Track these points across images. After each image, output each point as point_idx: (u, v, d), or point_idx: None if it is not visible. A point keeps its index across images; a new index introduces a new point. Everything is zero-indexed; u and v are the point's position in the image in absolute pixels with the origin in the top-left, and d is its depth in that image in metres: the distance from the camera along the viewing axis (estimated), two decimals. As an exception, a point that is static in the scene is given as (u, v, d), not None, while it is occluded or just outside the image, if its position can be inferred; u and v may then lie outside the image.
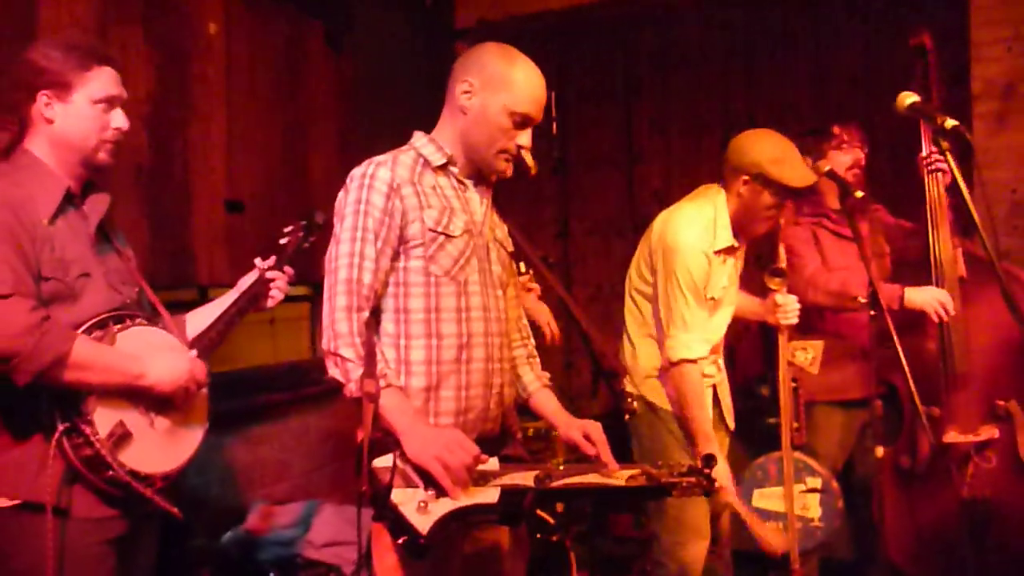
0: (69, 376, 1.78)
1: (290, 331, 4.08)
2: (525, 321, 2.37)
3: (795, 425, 3.03)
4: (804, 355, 2.89)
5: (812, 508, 3.03)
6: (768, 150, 2.76)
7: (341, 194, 2.07)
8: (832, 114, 4.19)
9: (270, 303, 2.32)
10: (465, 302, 2.06)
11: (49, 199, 1.93)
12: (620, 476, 1.99)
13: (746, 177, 2.78)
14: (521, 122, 2.07)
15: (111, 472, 1.82)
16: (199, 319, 2.26)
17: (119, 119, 2.02)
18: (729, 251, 2.88)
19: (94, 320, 1.90)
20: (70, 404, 1.82)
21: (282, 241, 2.41)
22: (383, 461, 1.82)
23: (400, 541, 1.76)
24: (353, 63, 4.31)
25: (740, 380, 4.22)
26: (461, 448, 1.85)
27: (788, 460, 2.96)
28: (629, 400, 2.57)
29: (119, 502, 1.89)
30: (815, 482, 3.04)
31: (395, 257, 2.03)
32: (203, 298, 3.53)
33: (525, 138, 2.09)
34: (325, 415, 3.93)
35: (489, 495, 1.84)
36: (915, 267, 3.14)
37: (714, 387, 2.95)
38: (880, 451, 2.88)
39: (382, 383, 1.91)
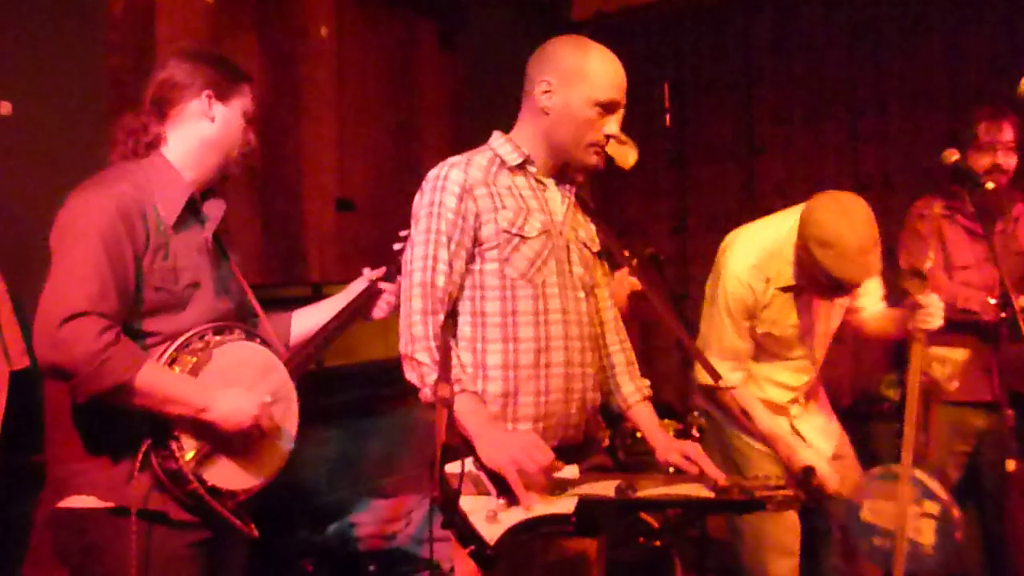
0: (132, 401, 1.79)
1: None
2: (622, 323, 2.27)
3: (922, 439, 2.81)
4: (941, 368, 2.65)
5: (926, 534, 2.79)
6: (823, 228, 2.46)
7: (417, 196, 2.06)
8: (970, 100, 3.91)
9: (379, 314, 2.33)
10: (543, 305, 2.01)
11: (173, 205, 1.96)
12: (713, 488, 1.90)
13: (799, 242, 2.54)
14: (606, 110, 2.02)
15: (192, 486, 1.85)
16: (305, 319, 2.29)
17: (253, 137, 2.11)
18: (796, 288, 2.63)
19: (194, 332, 1.92)
20: (158, 419, 1.84)
21: (397, 247, 2.36)
22: (456, 467, 1.80)
23: (468, 550, 1.73)
24: (466, 62, 4.33)
25: (865, 385, 4.02)
26: (537, 452, 1.80)
27: (906, 478, 2.75)
28: (693, 414, 2.46)
29: (197, 513, 1.92)
30: (933, 507, 2.79)
31: (470, 259, 2.01)
32: (316, 294, 3.64)
33: (612, 125, 2.04)
34: (433, 412, 3.95)
35: (565, 504, 1.78)
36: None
37: (791, 423, 2.77)
38: (1012, 465, 2.66)
39: (457, 388, 1.90)
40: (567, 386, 2.03)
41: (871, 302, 2.89)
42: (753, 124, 4.55)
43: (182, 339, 1.90)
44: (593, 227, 2.19)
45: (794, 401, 2.80)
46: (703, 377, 2.65)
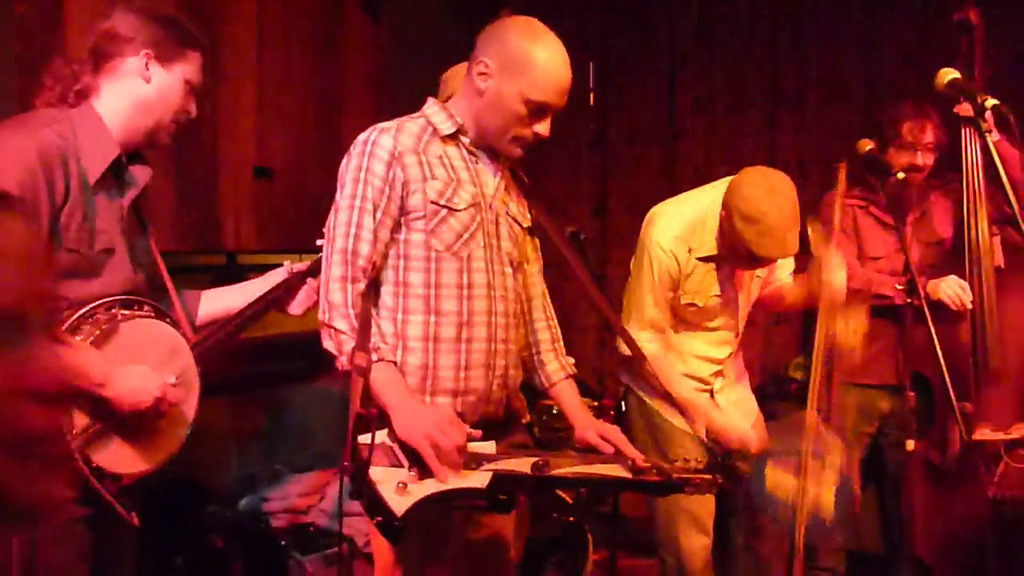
0: None
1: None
2: (548, 300, 2.27)
3: (825, 411, 2.90)
4: (846, 326, 2.74)
5: (826, 504, 2.90)
6: (748, 202, 2.51)
7: (344, 160, 2.01)
8: (884, 93, 4.03)
9: (296, 310, 2.25)
10: (467, 279, 1.98)
11: (99, 161, 1.84)
12: (631, 468, 1.92)
13: (724, 213, 2.60)
14: (538, 110, 1.95)
15: (75, 465, 1.73)
16: (214, 300, 2.20)
17: (193, 107, 2.01)
18: (718, 258, 2.69)
19: (103, 301, 1.81)
20: None
21: (319, 243, 2.24)
22: (368, 438, 1.78)
23: (375, 521, 1.72)
24: (391, 31, 4.25)
25: (774, 367, 4.13)
26: (452, 427, 1.79)
27: (808, 446, 2.84)
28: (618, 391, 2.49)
29: (83, 501, 1.78)
30: (832, 475, 2.91)
31: (396, 228, 1.97)
32: (231, 262, 3.55)
33: (543, 127, 1.97)
34: (349, 384, 3.91)
35: (479, 479, 1.78)
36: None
37: (711, 394, 2.84)
38: (911, 445, 2.76)
39: (374, 357, 1.87)
40: (488, 362, 2.01)
41: (785, 275, 2.98)
42: (675, 109, 4.60)
43: (88, 308, 1.79)
44: (525, 203, 2.16)
45: (718, 374, 2.85)
46: (625, 348, 2.67)
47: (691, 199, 2.81)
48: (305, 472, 3.28)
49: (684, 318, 2.80)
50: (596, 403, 3.60)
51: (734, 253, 2.63)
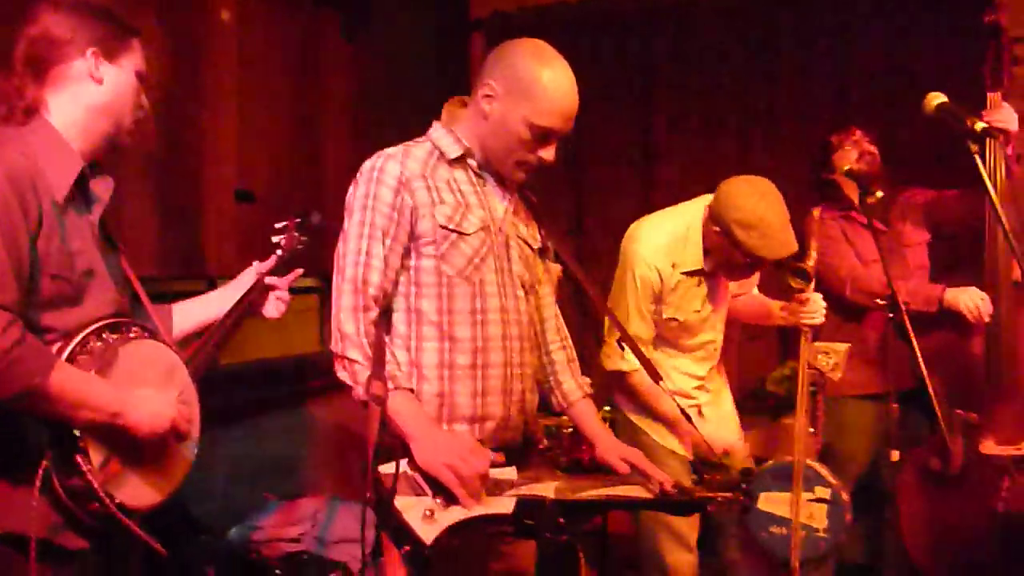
0: (40, 407, 1.56)
1: (299, 323, 4.04)
2: (562, 321, 2.27)
3: (810, 430, 2.96)
4: (826, 360, 2.80)
5: (818, 518, 2.94)
6: (743, 211, 2.55)
7: (351, 188, 2.00)
8: (854, 113, 4.13)
9: (272, 313, 2.17)
10: (481, 304, 1.98)
11: (63, 177, 1.68)
12: (653, 489, 1.93)
13: (718, 229, 2.63)
14: (542, 136, 1.94)
15: (97, 505, 1.63)
16: (187, 313, 2.09)
17: (146, 101, 1.85)
18: (701, 274, 2.75)
19: (93, 328, 1.68)
20: (59, 428, 1.61)
21: (276, 239, 2.25)
22: (390, 467, 1.77)
23: (403, 551, 1.71)
24: (369, 55, 4.25)
25: (752, 382, 4.18)
26: (474, 455, 1.79)
27: (799, 466, 2.89)
28: (604, 409, 2.51)
29: (97, 536, 1.70)
30: (824, 492, 2.95)
31: (406, 255, 1.97)
32: (212, 288, 3.49)
33: (548, 153, 1.97)
34: (333, 409, 3.88)
35: (504, 505, 1.78)
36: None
37: (699, 409, 2.87)
38: (895, 455, 2.83)
39: (391, 385, 1.86)
40: (505, 387, 2.00)
41: (750, 287, 3.06)
42: (652, 131, 4.66)
43: (80, 337, 1.66)
44: (535, 224, 2.17)
45: (700, 388, 2.89)
46: (611, 363, 2.71)
47: (672, 214, 2.85)
48: (293, 500, 3.23)
49: (664, 335, 2.83)
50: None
51: (729, 264, 2.68)
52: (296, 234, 2.26)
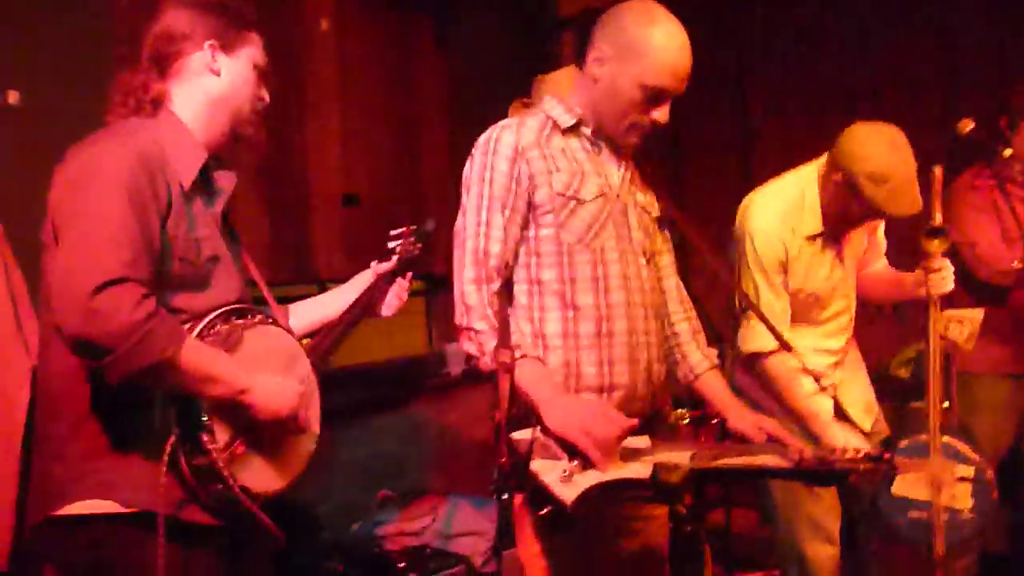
0: (168, 380, 1.58)
1: (406, 326, 4.08)
2: (684, 292, 2.20)
3: (945, 404, 2.78)
4: (959, 328, 2.64)
5: (962, 498, 2.76)
6: (872, 161, 2.38)
7: (468, 163, 2.00)
8: (960, 85, 3.97)
9: (387, 312, 2.18)
10: (603, 271, 1.95)
11: (189, 166, 1.72)
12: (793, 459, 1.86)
13: (840, 178, 2.45)
14: (655, 96, 1.92)
15: (221, 486, 1.63)
16: (303, 314, 2.12)
17: (266, 93, 1.87)
18: (824, 237, 2.58)
19: (219, 312, 1.71)
20: (187, 407, 1.62)
21: (391, 245, 2.25)
22: (522, 434, 1.74)
23: (543, 512, 1.67)
24: (461, 57, 4.30)
25: (874, 366, 4.01)
26: (608, 418, 1.75)
27: (936, 443, 2.73)
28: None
29: (224, 516, 1.70)
30: (967, 470, 2.77)
31: (525, 225, 1.95)
32: (322, 291, 3.56)
33: (661, 114, 1.94)
34: (443, 410, 3.91)
35: (641, 470, 1.73)
36: None
37: (834, 393, 2.71)
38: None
39: (517, 354, 1.83)
40: (632, 356, 1.96)
41: (877, 257, 2.86)
42: (748, 115, 4.56)
43: (207, 320, 1.67)
44: (652, 193, 2.12)
45: (836, 365, 2.72)
46: (748, 344, 2.57)
47: (783, 182, 2.68)
48: (413, 496, 3.25)
49: (794, 309, 2.70)
50: (699, 412, 3.51)
51: (844, 217, 2.52)
52: (412, 239, 2.26)
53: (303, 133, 3.46)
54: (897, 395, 3.70)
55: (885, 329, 4.16)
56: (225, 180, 1.84)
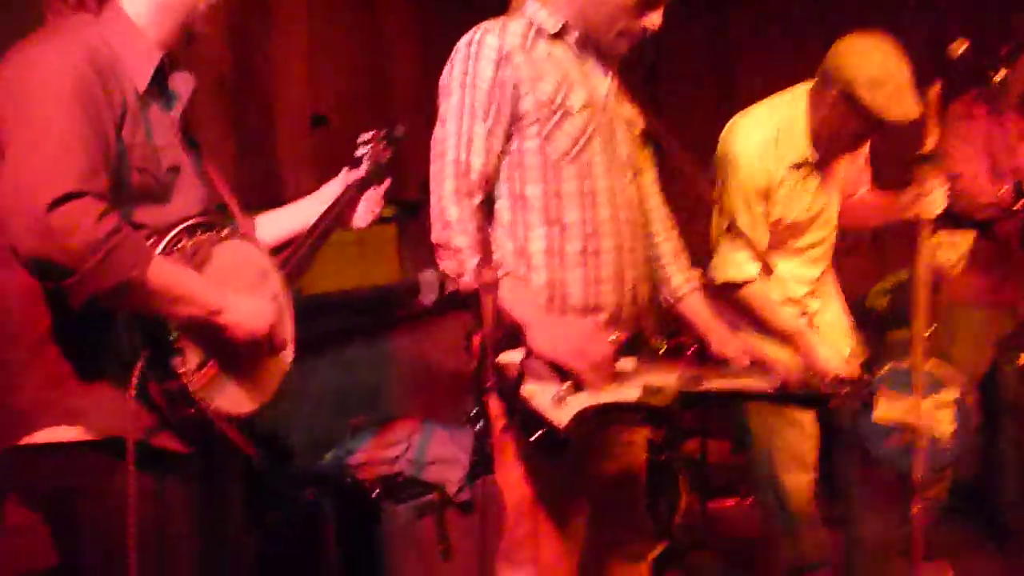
0: (135, 302, 1.48)
1: (378, 254, 3.97)
2: (668, 211, 2.12)
3: (931, 329, 2.74)
4: (948, 253, 2.59)
5: (944, 424, 2.75)
6: (868, 67, 2.29)
7: (446, 68, 1.87)
8: (942, 16, 3.87)
9: (362, 223, 2.08)
10: (589, 186, 1.85)
11: (142, 67, 1.58)
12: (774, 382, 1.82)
13: (835, 93, 2.35)
14: (647, 0, 1.82)
15: (193, 410, 1.56)
16: (271, 225, 2.00)
17: None
18: (810, 165, 2.50)
19: (184, 226, 1.59)
20: (155, 328, 1.52)
21: (359, 153, 2.14)
22: (509, 356, 1.66)
23: (535, 437, 1.60)
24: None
25: (851, 299, 3.99)
26: (597, 338, 1.68)
27: (919, 369, 2.70)
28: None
29: (196, 442, 1.63)
30: (949, 395, 2.75)
31: (508, 138, 1.84)
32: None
33: (655, 18, 1.85)
34: (416, 339, 3.83)
35: (629, 393, 1.67)
36: None
37: (810, 319, 2.63)
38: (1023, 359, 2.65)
39: (500, 272, 1.74)
40: (618, 274, 1.88)
41: (863, 184, 2.77)
42: (729, 41, 4.45)
43: (171, 235, 1.57)
44: (637, 107, 2.03)
45: (811, 294, 2.68)
46: (722, 274, 2.50)
47: (769, 105, 2.57)
48: (386, 424, 3.18)
49: (773, 238, 2.63)
50: (675, 341, 3.46)
51: (839, 138, 2.43)
52: (382, 145, 2.16)
53: (268, 51, 3.30)
54: (875, 326, 3.69)
55: (862, 261, 4.13)
56: (182, 83, 1.71)
